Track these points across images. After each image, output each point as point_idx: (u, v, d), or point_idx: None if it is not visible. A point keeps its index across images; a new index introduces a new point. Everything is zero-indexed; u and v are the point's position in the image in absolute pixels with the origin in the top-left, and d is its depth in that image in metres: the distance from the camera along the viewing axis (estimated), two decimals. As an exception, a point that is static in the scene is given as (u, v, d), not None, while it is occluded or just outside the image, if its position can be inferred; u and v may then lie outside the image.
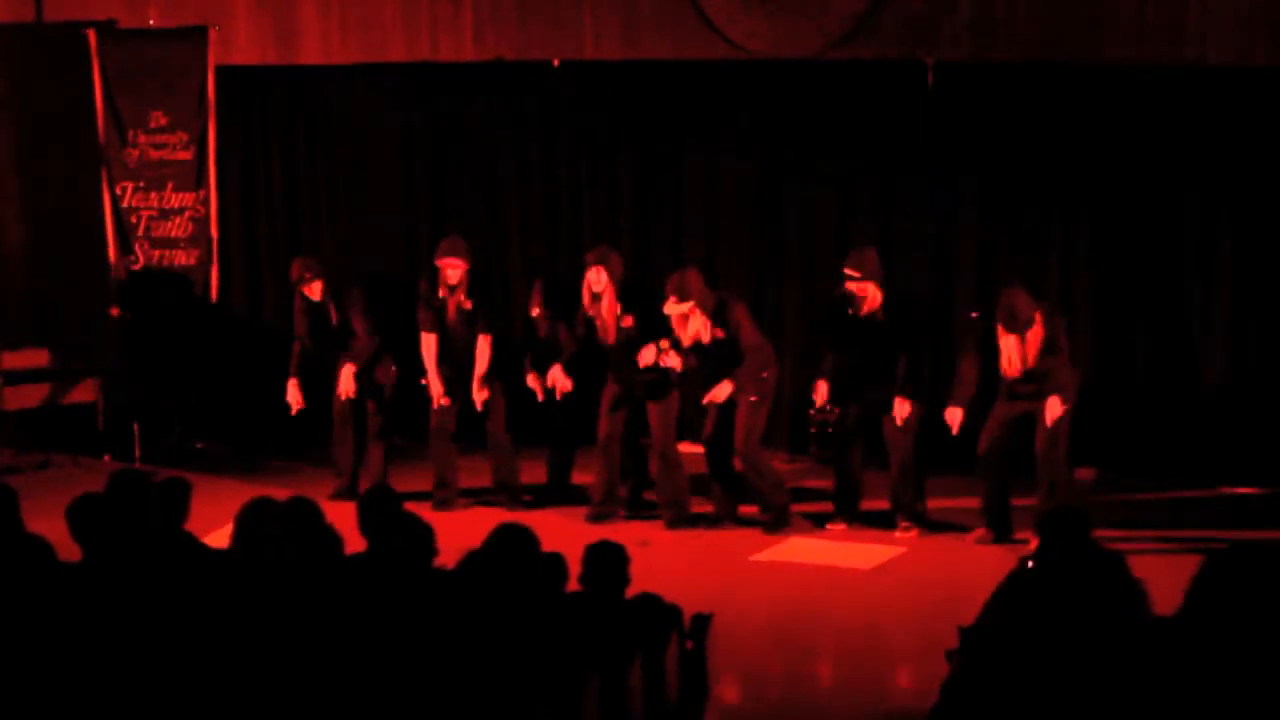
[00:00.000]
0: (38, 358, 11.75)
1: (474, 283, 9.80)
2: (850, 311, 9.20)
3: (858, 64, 10.80)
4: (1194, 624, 4.17)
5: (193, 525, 6.34)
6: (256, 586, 5.23)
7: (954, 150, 10.54)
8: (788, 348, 10.61)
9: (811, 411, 9.35)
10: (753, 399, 9.24)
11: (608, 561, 5.76)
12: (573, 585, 5.63)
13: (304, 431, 10.81)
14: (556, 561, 5.50)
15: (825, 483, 9.66)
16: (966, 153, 10.53)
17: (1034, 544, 6.84)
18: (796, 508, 9.58)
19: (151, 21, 12.21)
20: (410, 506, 6.37)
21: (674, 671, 5.78)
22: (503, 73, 11.60)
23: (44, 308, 12.38)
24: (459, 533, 6.16)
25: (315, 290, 10.12)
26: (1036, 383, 8.82)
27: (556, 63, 11.42)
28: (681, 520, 9.49)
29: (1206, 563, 4.22)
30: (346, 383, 10.02)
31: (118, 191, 11.64)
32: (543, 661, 4.97)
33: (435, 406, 9.88)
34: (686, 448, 10.30)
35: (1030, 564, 5.48)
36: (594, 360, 9.64)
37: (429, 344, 9.87)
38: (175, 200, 11.56)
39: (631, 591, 5.81)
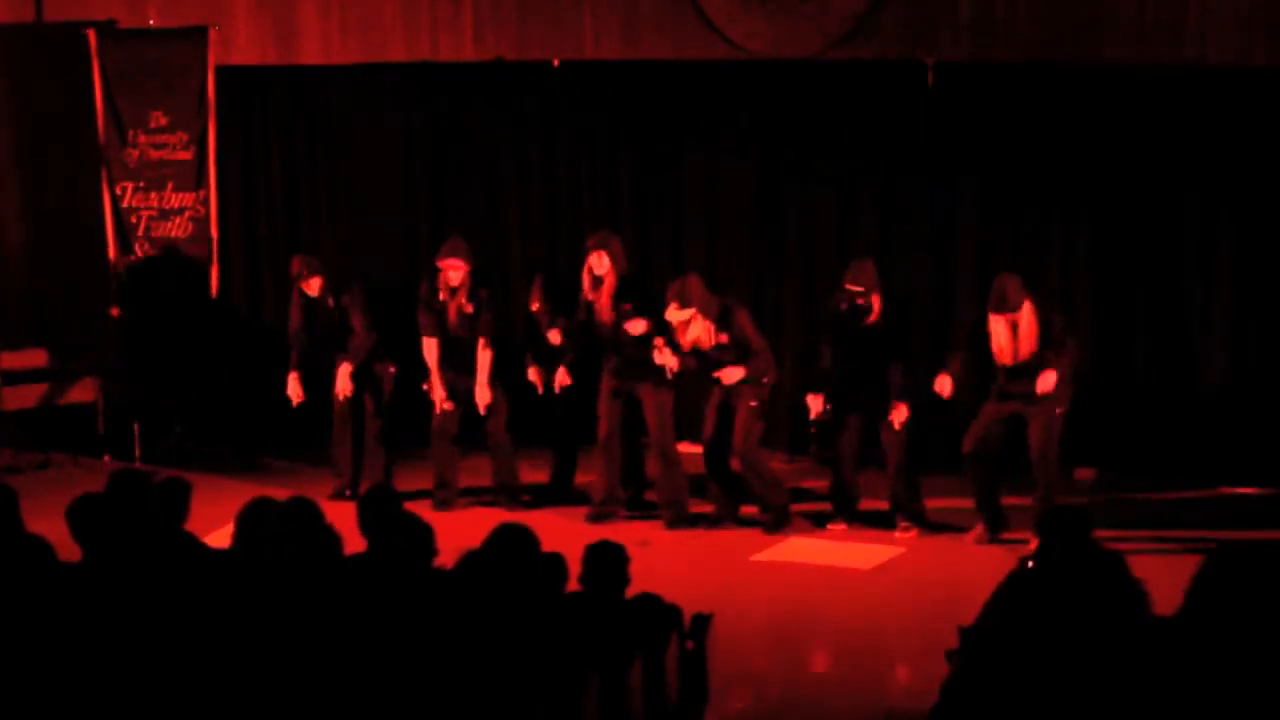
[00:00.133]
0: (38, 358, 11.76)
1: (475, 285, 9.79)
2: (849, 319, 9.20)
3: (858, 64, 10.80)
4: (1194, 624, 4.17)
5: (193, 525, 6.34)
6: (256, 586, 5.23)
7: (954, 150, 10.53)
8: (787, 348, 10.61)
9: (812, 417, 9.36)
10: (753, 403, 9.25)
11: (608, 561, 5.76)
12: (573, 585, 5.63)
13: (304, 431, 10.81)
14: (556, 561, 5.50)
15: (825, 483, 9.64)
16: (966, 153, 10.52)
17: (1034, 544, 6.86)
18: (796, 508, 9.58)
19: (151, 21, 12.21)
20: (410, 506, 6.38)
21: (674, 671, 5.78)
22: (503, 73, 11.60)
23: (44, 308, 12.38)
24: (459, 533, 6.16)
25: (314, 286, 10.12)
26: (1029, 379, 8.81)
27: (556, 63, 11.42)
28: (681, 520, 9.49)
29: (1206, 563, 4.22)
30: (343, 382, 10.03)
31: (118, 191, 11.64)
32: (543, 661, 4.97)
33: (438, 411, 9.88)
34: (686, 448, 10.30)
35: (1030, 564, 5.48)
36: (593, 353, 9.64)
37: (431, 348, 9.87)
38: (175, 200, 11.56)
39: (631, 591, 5.81)
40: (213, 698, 4.84)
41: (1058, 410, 8.86)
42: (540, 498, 10.03)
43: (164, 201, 11.58)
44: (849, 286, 9.19)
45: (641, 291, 9.51)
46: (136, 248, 11.65)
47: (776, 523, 9.37)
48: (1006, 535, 8.97)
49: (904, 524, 9.29)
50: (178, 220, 11.59)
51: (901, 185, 10.76)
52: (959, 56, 10.58)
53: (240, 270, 12.28)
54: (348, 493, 10.00)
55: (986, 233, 10.57)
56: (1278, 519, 9.21)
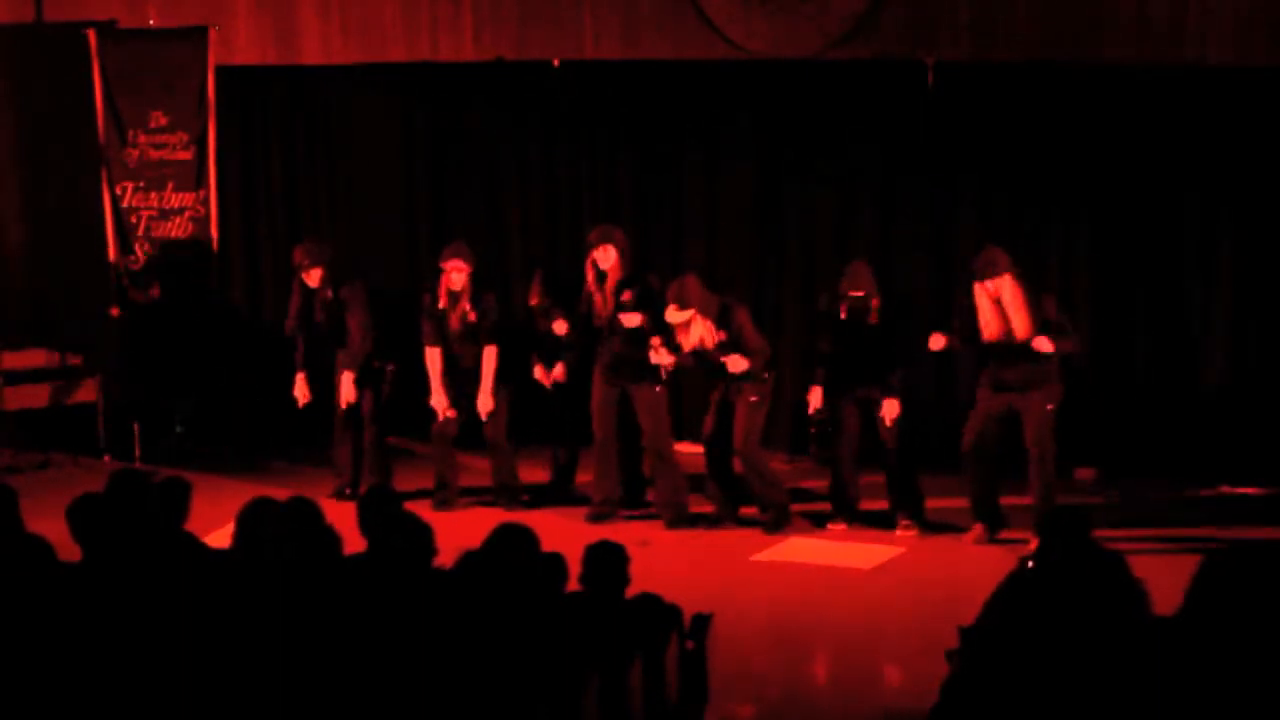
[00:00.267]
0: (38, 358, 11.75)
1: (477, 289, 9.78)
2: (848, 323, 9.20)
3: (858, 64, 10.80)
4: (1194, 624, 4.17)
5: (193, 525, 6.34)
6: (256, 586, 5.23)
7: (954, 150, 10.53)
8: (787, 348, 10.62)
9: (811, 413, 9.37)
10: (753, 400, 9.25)
11: (608, 561, 5.76)
12: (573, 585, 5.63)
13: (304, 431, 10.81)
14: (556, 561, 5.50)
15: (825, 483, 9.64)
16: (966, 153, 10.52)
17: (1034, 544, 6.86)
18: (796, 508, 9.58)
19: (151, 21, 12.21)
20: (410, 506, 6.38)
21: (674, 671, 5.78)
22: (503, 73, 11.60)
23: (44, 308, 12.37)
24: (459, 533, 6.16)
25: (313, 277, 10.09)
26: (1020, 366, 8.80)
27: (556, 63, 11.42)
28: (681, 519, 9.49)
29: (1206, 563, 4.22)
30: (348, 390, 10.01)
31: (118, 191, 11.64)
32: (543, 661, 4.97)
33: (440, 419, 9.87)
34: (686, 448, 10.31)
35: (1030, 564, 5.48)
36: (594, 349, 9.64)
37: (433, 357, 9.86)
38: (175, 200, 11.56)
39: (631, 591, 5.81)
40: (213, 698, 4.84)
41: (1049, 406, 8.85)
42: (540, 498, 10.03)
43: (164, 201, 11.58)
44: (851, 293, 9.19)
45: (643, 286, 9.49)
46: (136, 248, 11.65)
47: (776, 523, 9.37)
48: (1006, 535, 8.97)
49: (904, 522, 9.29)
50: (178, 220, 11.58)
51: (901, 185, 10.77)
52: (959, 56, 10.58)
53: (240, 270, 12.29)
54: (348, 492, 10.00)
55: (986, 233, 10.52)
56: (1278, 519, 9.21)
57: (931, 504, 9.44)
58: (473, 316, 9.75)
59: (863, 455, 9.45)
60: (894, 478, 9.33)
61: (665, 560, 8.60)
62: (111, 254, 11.63)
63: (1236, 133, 9.95)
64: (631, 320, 9.33)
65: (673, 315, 9.16)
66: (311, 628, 5.03)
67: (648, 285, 9.50)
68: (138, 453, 11.23)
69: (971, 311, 8.92)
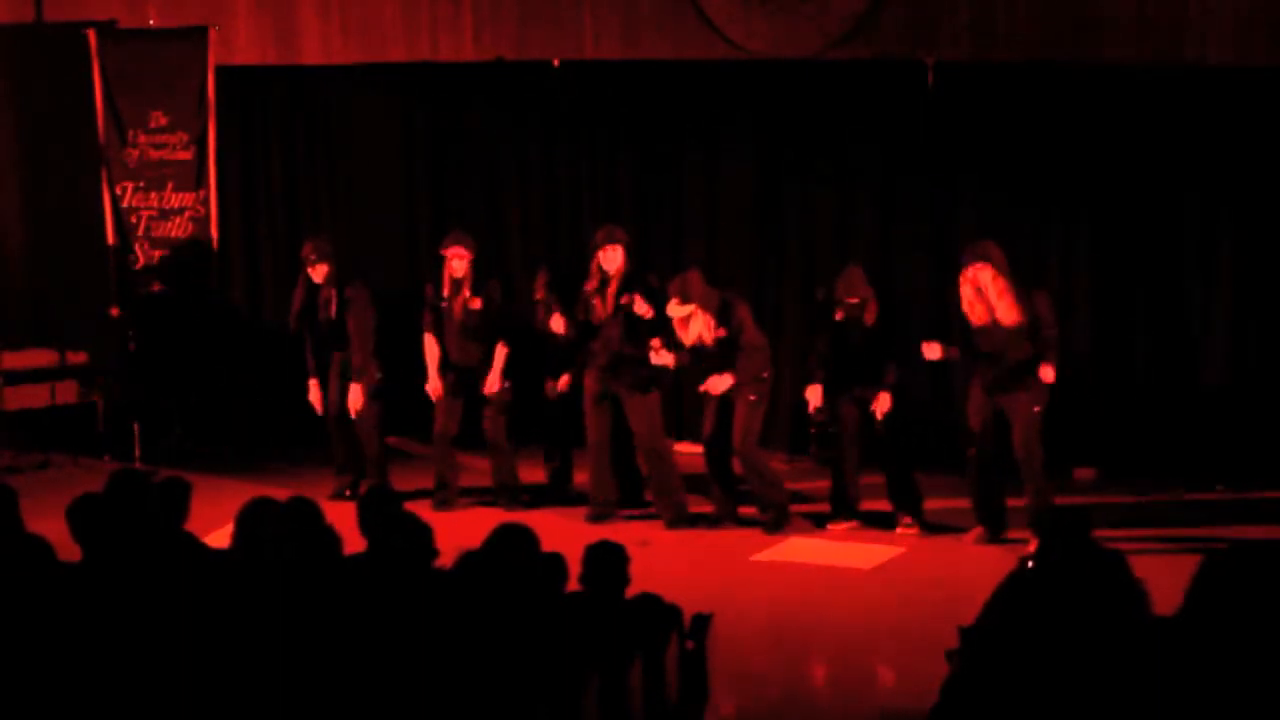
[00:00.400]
0: (38, 358, 11.75)
1: (479, 277, 9.78)
2: (846, 327, 9.20)
3: (858, 64, 10.80)
4: (1194, 624, 4.17)
5: (193, 525, 6.33)
6: (256, 586, 5.23)
7: (954, 150, 10.54)
8: (787, 348, 10.62)
9: (811, 411, 9.37)
10: (751, 398, 9.25)
11: (608, 561, 5.76)
12: (573, 585, 5.63)
13: (304, 431, 10.81)
14: (556, 561, 5.50)
15: (825, 483, 9.64)
16: (966, 153, 10.53)
17: (1034, 544, 6.86)
18: (796, 508, 9.58)
19: (151, 21, 12.21)
20: (410, 506, 6.38)
21: (674, 671, 5.78)
22: (503, 73, 11.61)
23: (44, 308, 12.38)
24: (459, 533, 6.17)
25: (319, 273, 10.07)
26: (1009, 372, 8.80)
27: (556, 63, 11.42)
28: (680, 519, 9.49)
29: (1206, 563, 4.22)
30: (355, 400, 10.00)
31: (118, 191, 11.64)
32: (543, 661, 4.97)
33: (435, 400, 9.86)
34: (686, 448, 10.32)
35: (1030, 564, 5.47)
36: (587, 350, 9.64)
37: (431, 346, 9.86)
38: (175, 200, 11.56)
39: (631, 591, 5.81)
40: (213, 698, 4.84)
41: (1035, 409, 8.84)
42: (539, 498, 10.03)
43: (164, 201, 11.59)
44: (846, 299, 9.19)
45: (644, 287, 9.48)
46: (136, 248, 11.65)
47: (776, 523, 9.36)
48: (1006, 535, 8.97)
49: (905, 520, 9.29)
50: (178, 220, 11.59)
51: (901, 185, 10.77)
52: (959, 56, 10.59)
53: (240, 270, 12.29)
54: (347, 493, 10.00)
55: (986, 233, 10.52)
56: (1278, 519, 9.20)
57: (931, 504, 9.44)
58: (475, 303, 9.74)
59: (862, 456, 9.45)
60: (893, 478, 9.33)
61: (665, 560, 8.60)
62: (111, 255, 11.63)
63: (1236, 133, 9.96)
64: (643, 308, 9.30)
65: (674, 309, 9.17)
66: (311, 628, 5.02)
67: (648, 285, 9.49)
68: (138, 453, 11.23)
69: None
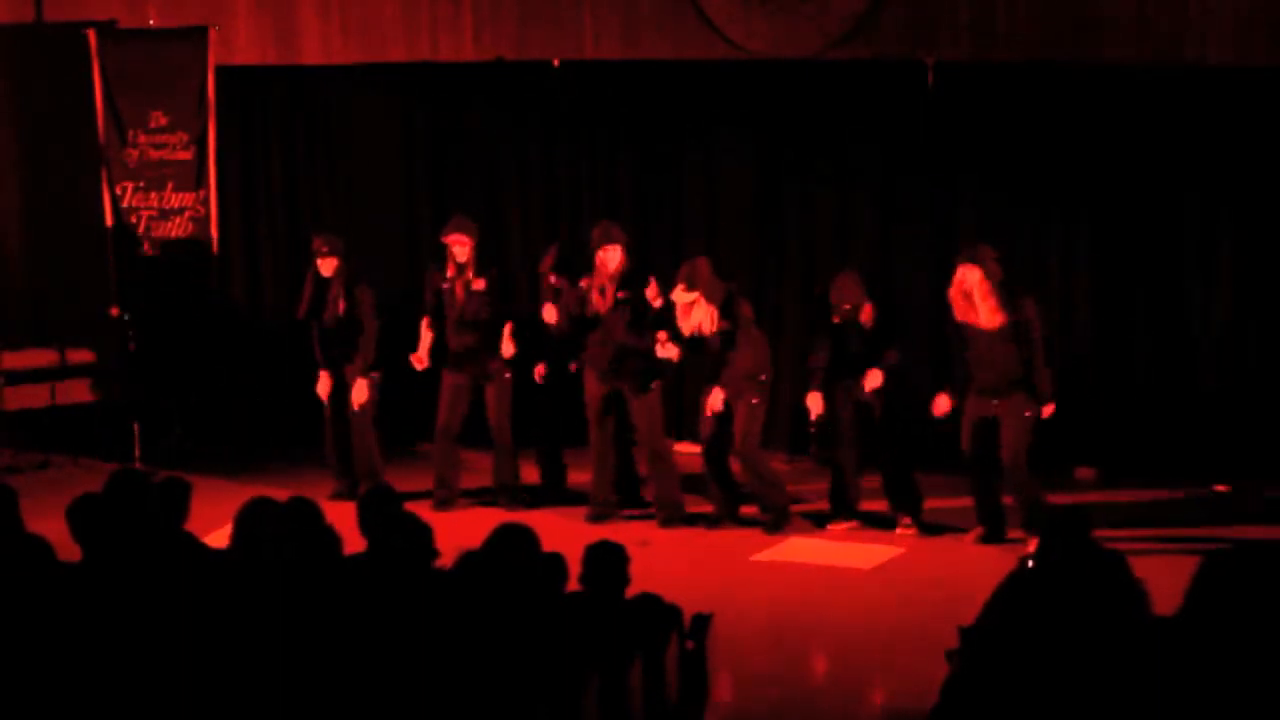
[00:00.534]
0: (38, 358, 11.75)
1: (482, 262, 9.77)
2: (844, 331, 9.20)
3: (858, 64, 10.80)
4: (1194, 624, 4.17)
5: (193, 525, 6.33)
6: (256, 586, 5.23)
7: (954, 150, 10.54)
8: (787, 348, 10.62)
9: (813, 419, 9.36)
10: (753, 401, 9.25)
11: (608, 561, 5.76)
12: (573, 585, 5.63)
13: (304, 431, 10.80)
14: (556, 561, 5.50)
15: (825, 483, 9.64)
16: (966, 153, 10.53)
17: (1033, 544, 6.86)
18: (796, 508, 9.58)
19: (151, 21, 12.21)
20: (410, 506, 6.38)
21: (674, 671, 5.78)
22: (503, 73, 11.60)
23: (44, 308, 12.38)
24: (459, 533, 6.16)
25: (329, 266, 10.05)
26: (1000, 375, 8.80)
27: (556, 63, 11.42)
28: (677, 518, 9.49)
29: (1206, 563, 4.22)
30: (360, 395, 10.00)
31: (118, 191, 11.64)
32: (543, 661, 4.97)
33: (419, 369, 9.84)
34: (686, 448, 10.31)
35: (1030, 564, 5.48)
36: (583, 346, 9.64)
37: (427, 326, 9.88)
38: (175, 200, 11.56)
39: (631, 591, 5.81)
40: (213, 698, 4.84)
41: (1026, 413, 8.83)
42: (539, 498, 10.03)
43: (164, 201, 11.59)
44: (841, 305, 9.18)
45: (641, 285, 9.48)
46: (146, 246, 11.65)
47: (776, 523, 9.36)
48: (1006, 535, 8.97)
49: (905, 521, 9.29)
50: (178, 220, 11.59)
51: (901, 185, 10.77)
52: (959, 56, 10.59)
53: (240, 270, 12.28)
54: (346, 493, 9.99)
55: (986, 233, 10.54)
56: (1277, 519, 9.20)
57: (933, 504, 9.43)
58: (478, 284, 9.72)
59: (862, 456, 9.44)
60: (892, 479, 9.33)
61: (665, 560, 8.60)
62: (111, 255, 11.63)
63: (1236, 133, 9.95)
64: (652, 295, 9.30)
65: (678, 295, 9.17)
66: (311, 628, 5.02)
67: (647, 285, 9.48)
68: (138, 453, 11.22)
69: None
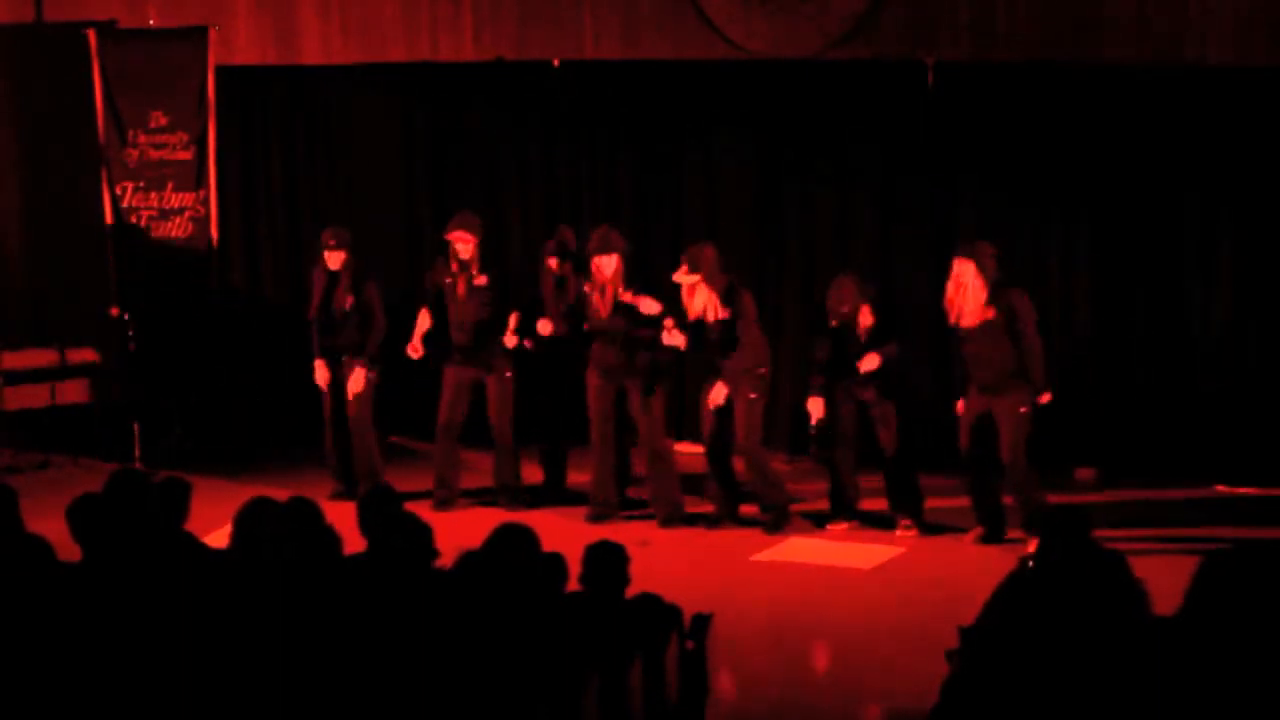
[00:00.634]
0: (38, 358, 11.75)
1: (486, 260, 9.78)
2: (843, 333, 9.20)
3: (858, 64, 10.80)
4: (1194, 624, 4.17)
5: (193, 525, 6.34)
6: (256, 586, 5.23)
7: (954, 150, 10.54)
8: (787, 348, 10.62)
9: (814, 423, 9.35)
10: (751, 396, 9.25)
11: (608, 561, 5.76)
12: (573, 585, 5.63)
13: (304, 431, 10.80)
14: (556, 561, 5.50)
15: (825, 483, 9.64)
16: (966, 153, 10.53)
17: (1033, 544, 6.86)
18: (796, 508, 9.58)
19: (151, 21, 12.21)
20: (410, 506, 6.37)
21: (674, 671, 5.78)
22: (503, 73, 11.61)
23: (44, 308, 12.38)
24: (459, 533, 6.16)
25: (336, 259, 10.04)
26: (992, 372, 8.80)
27: (556, 63, 11.42)
28: (676, 519, 9.49)
29: (1206, 563, 4.22)
30: (356, 383, 10.00)
31: (118, 191, 11.64)
32: (543, 661, 4.97)
33: (415, 358, 9.84)
34: (686, 448, 10.31)
35: (1030, 564, 5.48)
36: (585, 350, 9.63)
37: (423, 318, 9.88)
38: (175, 200, 11.56)
39: (631, 591, 5.81)
40: (213, 698, 4.84)
41: (1021, 410, 8.83)
42: (539, 498, 10.02)
43: (164, 201, 11.59)
44: (839, 309, 9.18)
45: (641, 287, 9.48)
46: (136, 248, 11.65)
47: (776, 523, 9.37)
48: (1006, 535, 8.97)
49: (904, 523, 9.29)
50: (178, 220, 11.59)
51: (901, 185, 10.77)
52: (959, 56, 10.59)
53: (240, 270, 12.28)
54: (346, 493, 9.98)
55: (986, 233, 10.55)
56: (1278, 519, 9.21)
57: (933, 504, 9.44)
58: (481, 280, 9.71)
59: (862, 456, 9.45)
60: (893, 478, 9.33)
61: (665, 560, 8.60)
62: (111, 255, 11.63)
63: (1236, 133, 9.95)
64: (650, 307, 9.30)
65: (681, 276, 9.18)
66: (311, 628, 5.03)
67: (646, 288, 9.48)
68: (138, 453, 11.22)
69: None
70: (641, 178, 11.48)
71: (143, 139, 11.59)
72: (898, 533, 9.28)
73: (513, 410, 9.85)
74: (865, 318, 9.20)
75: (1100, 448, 10.34)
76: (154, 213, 11.62)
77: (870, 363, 9.09)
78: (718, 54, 11.19)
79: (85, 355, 11.80)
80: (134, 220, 11.63)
